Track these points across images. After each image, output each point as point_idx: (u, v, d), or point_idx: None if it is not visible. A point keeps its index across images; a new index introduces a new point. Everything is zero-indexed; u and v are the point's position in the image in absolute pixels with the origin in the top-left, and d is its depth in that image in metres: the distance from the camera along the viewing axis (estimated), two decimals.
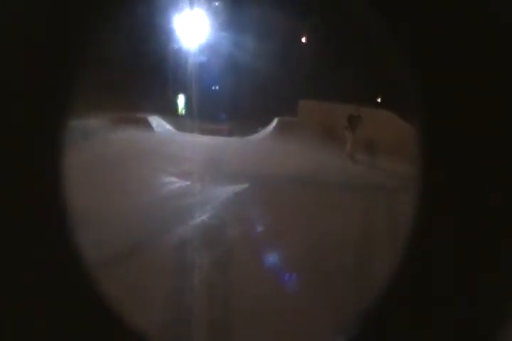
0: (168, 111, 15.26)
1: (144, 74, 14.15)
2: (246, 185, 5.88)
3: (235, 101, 17.10)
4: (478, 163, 0.78)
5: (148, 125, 11.91)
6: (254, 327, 2.72)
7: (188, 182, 6.45)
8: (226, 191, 5.64)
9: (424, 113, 0.81)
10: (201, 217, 4.66)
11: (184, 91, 17.36)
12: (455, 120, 0.78)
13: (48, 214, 0.84)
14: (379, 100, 11.30)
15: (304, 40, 16.45)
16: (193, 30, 17.38)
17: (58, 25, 0.82)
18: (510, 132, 0.77)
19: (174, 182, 6.32)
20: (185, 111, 16.55)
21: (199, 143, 10.75)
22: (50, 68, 0.80)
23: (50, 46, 0.81)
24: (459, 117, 0.78)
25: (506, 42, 0.75)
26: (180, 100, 17.11)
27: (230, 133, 14.50)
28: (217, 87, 16.39)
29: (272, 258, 3.54)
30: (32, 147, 0.81)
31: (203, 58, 17.03)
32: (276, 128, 12.21)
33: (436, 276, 0.82)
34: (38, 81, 0.79)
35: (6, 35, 0.76)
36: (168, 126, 13.13)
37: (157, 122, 12.65)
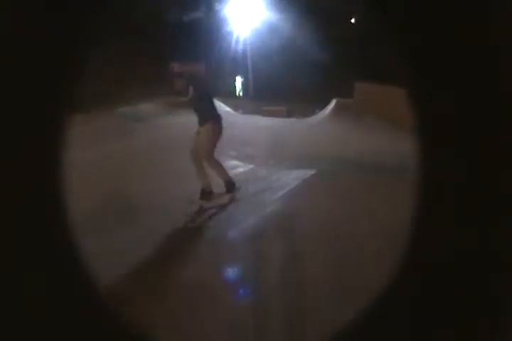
0: (226, 93, 15.18)
1: (201, 57, 14.16)
2: (313, 172, 5.61)
3: (292, 82, 16.93)
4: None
5: None
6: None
7: (251, 166, 6.24)
8: (294, 177, 5.41)
9: None
10: (272, 207, 4.41)
11: (241, 73, 17.24)
12: None
13: (48, 215, 0.83)
14: None
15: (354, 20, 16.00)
16: (250, 13, 17.29)
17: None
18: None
19: (237, 166, 6.08)
20: (243, 93, 16.45)
21: (258, 125, 10.57)
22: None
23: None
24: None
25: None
26: (238, 82, 17.01)
27: (289, 115, 14.32)
28: (274, 69, 16.20)
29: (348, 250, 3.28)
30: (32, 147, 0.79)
31: (260, 40, 16.87)
32: (334, 109, 11.92)
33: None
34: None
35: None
36: (227, 108, 13.05)
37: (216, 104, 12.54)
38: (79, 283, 0.85)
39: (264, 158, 6.59)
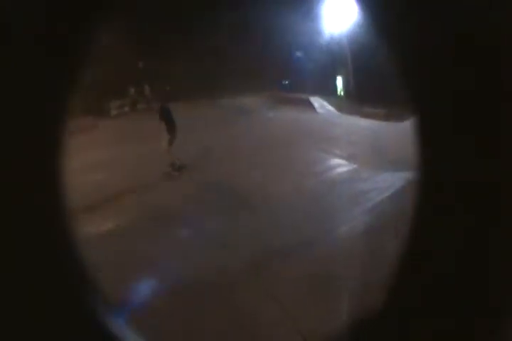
0: (327, 92, 15.12)
1: (301, 55, 14.22)
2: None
3: (393, 83, 16.42)
4: None
5: (309, 105, 11.82)
6: None
7: (355, 166, 6.19)
8: (398, 178, 5.32)
9: None
10: (381, 207, 4.38)
11: (343, 73, 17.14)
12: None
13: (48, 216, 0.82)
14: None
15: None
16: (350, 13, 17.07)
17: None
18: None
19: (342, 165, 6.06)
20: (344, 93, 16.33)
21: (360, 126, 10.43)
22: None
23: None
24: None
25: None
26: (339, 81, 16.87)
27: (387, 118, 13.98)
28: (375, 69, 15.84)
29: None
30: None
31: (361, 39, 16.62)
32: None
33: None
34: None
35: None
36: (330, 108, 12.96)
37: (319, 103, 12.49)
38: (78, 283, 0.86)
39: (367, 158, 6.52)
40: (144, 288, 3.02)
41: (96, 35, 0.80)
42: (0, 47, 0.74)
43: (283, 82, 13.39)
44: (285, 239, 3.57)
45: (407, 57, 0.83)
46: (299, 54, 13.63)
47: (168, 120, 6.94)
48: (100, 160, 7.53)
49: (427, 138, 0.81)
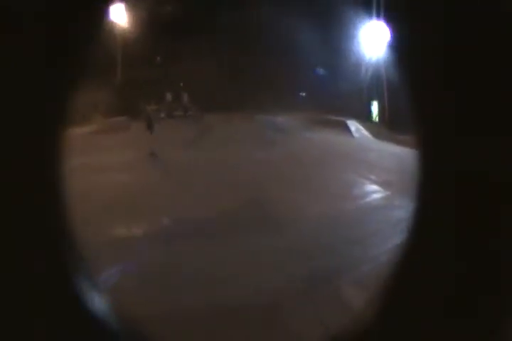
0: (362, 116, 15.14)
1: (337, 77, 14.25)
2: None
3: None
4: None
5: (346, 129, 11.82)
6: None
7: (388, 193, 6.19)
8: None
9: None
10: None
11: (378, 98, 17.15)
12: None
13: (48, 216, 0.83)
14: None
15: None
16: (386, 39, 17.01)
17: None
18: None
19: (376, 191, 6.07)
20: (379, 118, 16.27)
21: (394, 152, 10.43)
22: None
23: None
24: None
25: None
26: (374, 107, 16.88)
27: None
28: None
29: None
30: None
31: (395, 67, 16.53)
32: None
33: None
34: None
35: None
36: (365, 132, 12.94)
37: (355, 127, 12.49)
38: (78, 283, 0.85)
39: (401, 185, 6.53)
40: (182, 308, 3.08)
41: (96, 34, 0.81)
42: (0, 47, 0.74)
43: (300, 94, 13.39)
44: (326, 262, 3.61)
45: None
46: (336, 77, 13.69)
47: (149, 123, 10.14)
48: (127, 160, 7.68)
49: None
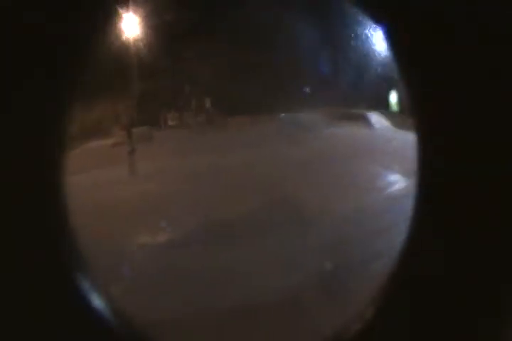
0: (381, 107, 14.89)
1: (352, 67, 14.04)
2: None
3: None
4: None
5: (366, 121, 11.64)
6: None
7: (413, 182, 6.15)
8: None
9: None
10: None
11: (395, 87, 16.87)
12: None
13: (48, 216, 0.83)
14: None
15: None
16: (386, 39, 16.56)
17: None
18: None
19: (399, 181, 6.02)
20: (399, 108, 15.92)
21: (415, 141, 10.27)
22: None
23: None
24: None
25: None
26: (393, 96, 16.63)
27: None
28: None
29: None
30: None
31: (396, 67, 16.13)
32: None
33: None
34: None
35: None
36: (386, 122, 12.64)
37: (375, 118, 12.34)
38: (78, 283, 0.86)
39: None
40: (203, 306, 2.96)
41: (96, 34, 0.82)
42: (0, 46, 0.75)
43: (303, 89, 13.14)
44: (351, 255, 3.66)
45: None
46: (352, 69, 13.61)
47: (129, 132, 9.91)
48: (152, 170, 7.67)
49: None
